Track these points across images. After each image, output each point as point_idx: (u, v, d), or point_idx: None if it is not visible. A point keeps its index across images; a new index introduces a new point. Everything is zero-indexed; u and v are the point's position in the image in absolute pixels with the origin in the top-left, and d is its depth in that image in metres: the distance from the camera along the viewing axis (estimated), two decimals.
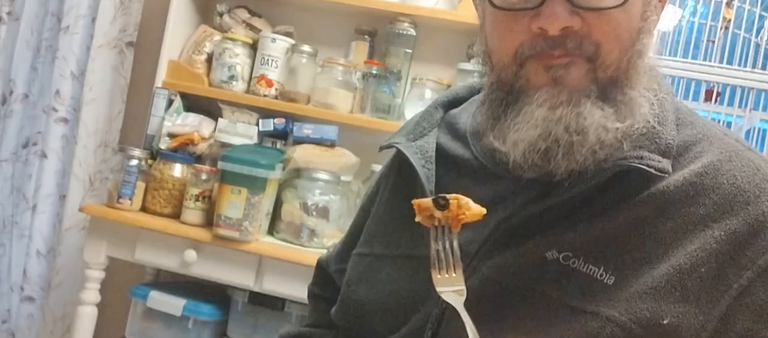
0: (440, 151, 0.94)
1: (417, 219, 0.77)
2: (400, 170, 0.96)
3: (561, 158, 0.79)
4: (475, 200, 0.78)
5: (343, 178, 2.27)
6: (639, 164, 0.79)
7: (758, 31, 2.24)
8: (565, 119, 0.78)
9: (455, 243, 0.75)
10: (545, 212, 0.81)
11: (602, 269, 0.78)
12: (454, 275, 0.74)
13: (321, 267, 1.12)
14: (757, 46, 2.25)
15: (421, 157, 0.92)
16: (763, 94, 2.23)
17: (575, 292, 0.78)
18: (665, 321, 0.76)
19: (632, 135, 0.81)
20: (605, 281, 0.78)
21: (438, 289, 0.75)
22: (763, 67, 2.20)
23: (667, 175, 0.80)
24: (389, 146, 0.97)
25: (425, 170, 0.90)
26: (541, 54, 0.79)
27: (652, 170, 0.79)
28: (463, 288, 0.75)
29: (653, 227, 0.79)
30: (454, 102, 1.02)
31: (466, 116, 0.97)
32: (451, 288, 0.75)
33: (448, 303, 0.77)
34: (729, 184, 0.81)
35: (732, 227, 0.79)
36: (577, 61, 0.79)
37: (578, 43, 0.79)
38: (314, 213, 2.17)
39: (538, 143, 0.79)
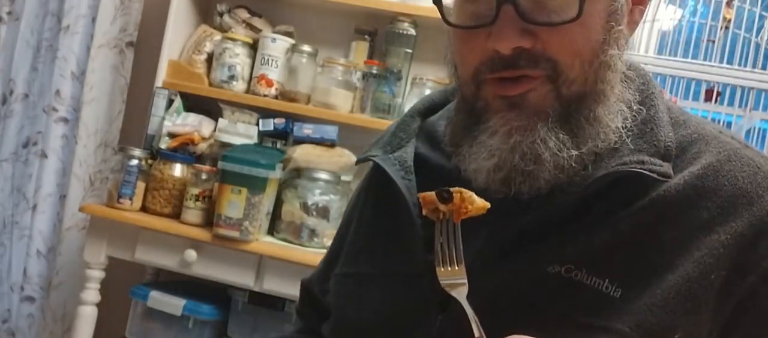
0: (420, 161, 0.90)
1: (424, 213, 0.76)
2: (380, 183, 0.91)
3: (522, 185, 0.77)
4: None
5: (343, 178, 2.27)
6: (641, 169, 0.76)
7: (758, 31, 2.24)
8: (519, 148, 0.77)
9: (458, 236, 0.74)
10: (540, 225, 0.78)
11: (607, 281, 0.75)
12: (456, 268, 0.74)
13: (305, 287, 1.06)
14: (757, 46, 2.25)
15: (400, 168, 0.88)
16: (763, 94, 2.23)
17: (582, 306, 0.75)
18: (677, 335, 0.74)
19: (601, 152, 0.79)
20: (612, 294, 0.75)
21: (442, 282, 0.74)
22: (763, 67, 2.20)
23: (668, 179, 0.77)
24: (366, 160, 0.93)
25: (405, 182, 0.86)
26: (496, 76, 0.77)
27: (655, 175, 0.76)
28: (465, 281, 0.73)
29: (656, 235, 0.77)
30: (431, 109, 0.98)
31: (443, 123, 0.93)
32: (454, 280, 0.74)
33: (447, 320, 0.77)
34: (730, 185, 0.78)
35: (737, 230, 0.77)
36: (537, 86, 0.77)
37: (533, 61, 0.76)
38: (314, 213, 2.17)
39: (495, 173, 0.78)
